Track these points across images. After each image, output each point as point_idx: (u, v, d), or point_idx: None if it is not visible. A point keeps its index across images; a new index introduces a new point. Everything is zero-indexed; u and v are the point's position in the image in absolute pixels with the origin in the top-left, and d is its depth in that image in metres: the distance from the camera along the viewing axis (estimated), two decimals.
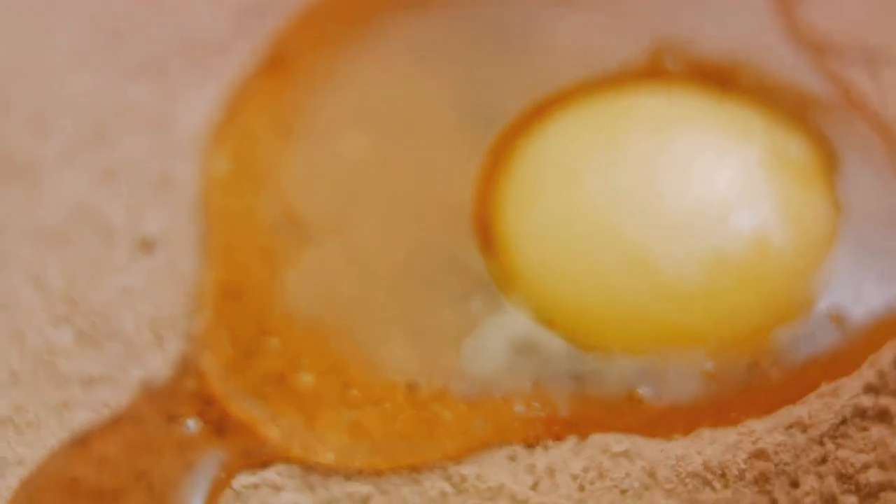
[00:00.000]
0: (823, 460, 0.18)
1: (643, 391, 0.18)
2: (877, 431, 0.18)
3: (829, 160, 0.20)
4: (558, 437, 0.18)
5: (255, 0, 0.23)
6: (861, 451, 0.18)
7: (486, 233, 0.19)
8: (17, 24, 0.24)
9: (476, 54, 0.21)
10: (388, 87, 0.21)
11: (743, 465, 0.18)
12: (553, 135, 0.20)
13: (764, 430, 0.18)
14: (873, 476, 0.18)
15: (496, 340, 0.19)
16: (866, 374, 0.18)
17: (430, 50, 0.21)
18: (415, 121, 0.20)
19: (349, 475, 0.19)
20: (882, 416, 0.18)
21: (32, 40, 0.24)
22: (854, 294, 0.19)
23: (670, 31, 0.21)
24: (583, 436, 0.18)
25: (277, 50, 0.22)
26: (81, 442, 0.19)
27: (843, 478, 0.18)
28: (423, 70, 0.21)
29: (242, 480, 0.19)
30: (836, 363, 0.18)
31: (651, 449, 0.18)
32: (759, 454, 0.18)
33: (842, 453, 0.18)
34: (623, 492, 0.18)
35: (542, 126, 0.20)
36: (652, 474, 0.18)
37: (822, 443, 0.18)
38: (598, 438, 0.18)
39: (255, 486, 0.19)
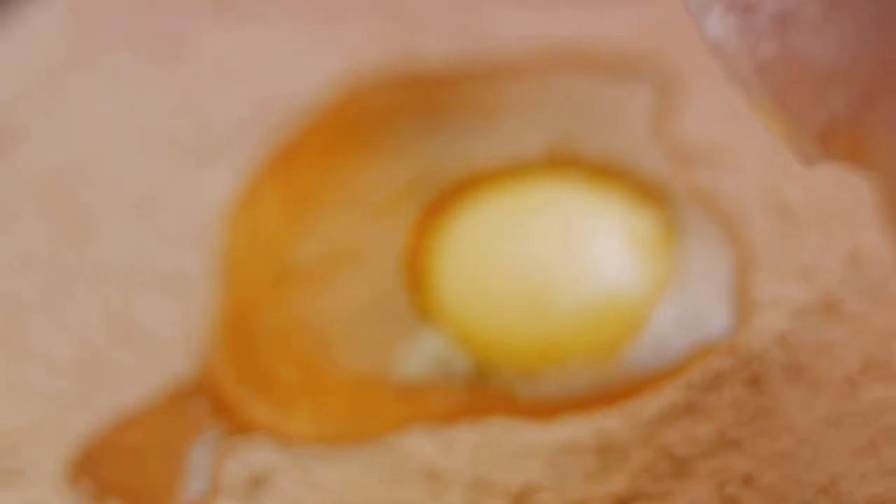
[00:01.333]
0: (650, 438, 0.25)
1: (525, 390, 0.25)
2: (688, 421, 0.25)
3: (674, 236, 0.27)
4: (460, 419, 0.25)
5: (267, 96, 0.31)
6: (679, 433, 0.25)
7: (415, 281, 0.27)
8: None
9: (421, 146, 0.29)
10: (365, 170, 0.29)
11: (590, 441, 0.25)
12: (472, 211, 0.27)
13: (608, 417, 0.25)
14: (684, 449, 0.24)
15: (421, 355, 0.26)
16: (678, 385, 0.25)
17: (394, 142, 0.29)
18: (375, 196, 0.28)
19: (312, 443, 0.26)
20: (692, 409, 0.25)
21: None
22: (675, 330, 0.26)
23: (564, 134, 0.28)
24: (479, 418, 0.25)
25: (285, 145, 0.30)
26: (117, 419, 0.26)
27: (663, 452, 0.24)
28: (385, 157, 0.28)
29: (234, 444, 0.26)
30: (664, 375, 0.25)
31: (530, 430, 0.25)
32: (602, 432, 0.25)
33: (666, 434, 0.25)
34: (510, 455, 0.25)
35: (462, 203, 0.27)
36: (529, 445, 0.25)
37: (649, 425, 0.25)
38: (491, 421, 0.25)
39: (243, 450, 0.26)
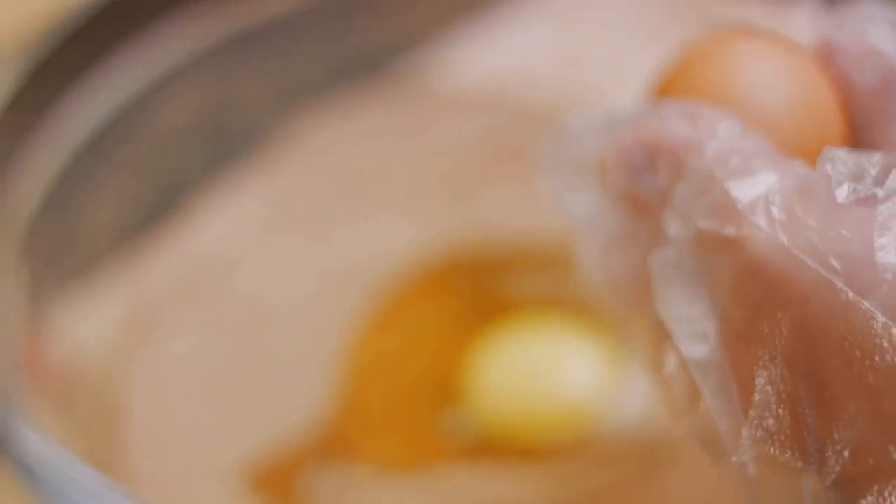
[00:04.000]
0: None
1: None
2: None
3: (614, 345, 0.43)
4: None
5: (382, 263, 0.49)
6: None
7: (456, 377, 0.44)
8: None
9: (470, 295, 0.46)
10: None
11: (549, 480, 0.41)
12: (498, 336, 0.44)
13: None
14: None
15: (455, 422, 0.43)
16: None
17: None
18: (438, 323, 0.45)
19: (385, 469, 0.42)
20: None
21: None
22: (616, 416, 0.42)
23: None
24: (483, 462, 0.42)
25: None
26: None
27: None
28: None
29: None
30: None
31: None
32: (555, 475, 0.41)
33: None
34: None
35: (494, 330, 0.44)
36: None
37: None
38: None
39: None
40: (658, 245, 0.26)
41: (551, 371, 0.42)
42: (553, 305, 0.45)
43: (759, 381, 0.24)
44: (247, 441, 0.43)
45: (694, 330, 0.25)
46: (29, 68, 0.43)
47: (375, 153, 0.51)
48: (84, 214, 0.47)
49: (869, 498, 0.23)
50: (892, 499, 0.23)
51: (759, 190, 0.24)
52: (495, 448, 0.42)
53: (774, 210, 0.24)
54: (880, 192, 0.24)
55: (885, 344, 0.22)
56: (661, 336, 0.26)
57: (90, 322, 0.46)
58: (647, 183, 0.26)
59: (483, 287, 0.46)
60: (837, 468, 0.24)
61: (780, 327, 0.24)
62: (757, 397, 0.24)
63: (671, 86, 0.27)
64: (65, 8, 0.46)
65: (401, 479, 0.41)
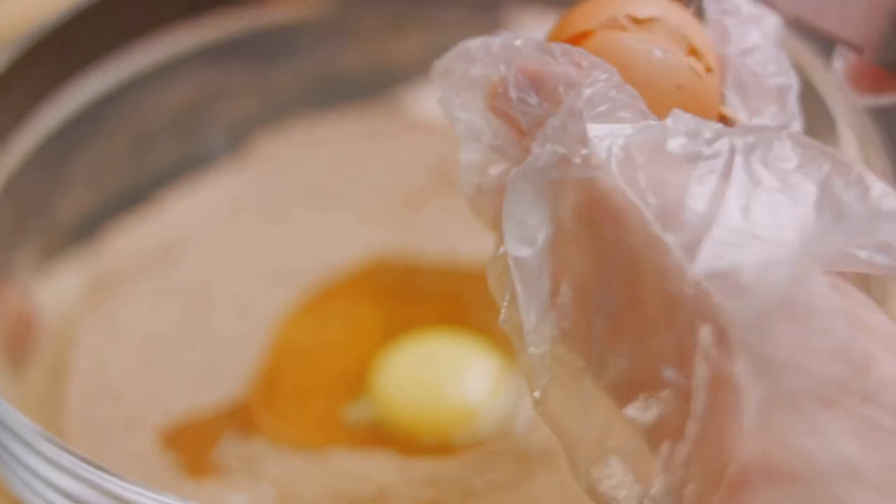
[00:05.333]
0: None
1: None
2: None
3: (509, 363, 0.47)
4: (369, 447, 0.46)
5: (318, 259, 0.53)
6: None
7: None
8: None
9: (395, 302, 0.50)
10: None
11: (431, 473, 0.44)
12: (407, 345, 0.48)
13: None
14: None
15: (360, 411, 0.47)
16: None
17: None
18: (363, 325, 0.50)
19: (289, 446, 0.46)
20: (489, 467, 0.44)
21: None
22: (504, 424, 0.46)
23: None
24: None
25: None
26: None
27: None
28: None
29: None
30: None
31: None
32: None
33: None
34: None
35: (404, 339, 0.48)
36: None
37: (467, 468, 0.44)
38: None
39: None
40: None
41: (449, 378, 0.46)
42: (460, 322, 0.49)
43: (565, 287, 0.28)
44: (172, 407, 0.47)
45: (525, 234, 0.28)
46: (17, 57, 0.48)
47: (339, 162, 0.56)
48: (55, 193, 0.52)
49: (634, 404, 0.27)
50: (653, 408, 0.26)
51: (610, 131, 0.28)
52: (390, 440, 0.46)
53: (615, 147, 0.27)
54: (707, 151, 0.28)
55: (670, 276, 0.26)
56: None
57: (50, 287, 0.51)
58: (527, 108, 0.29)
59: (402, 296, 0.50)
60: (612, 375, 0.27)
61: (596, 245, 0.27)
62: (560, 300, 0.28)
63: (566, 33, 0.31)
64: (55, 4, 0.51)
65: (298, 457, 0.45)
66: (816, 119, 0.48)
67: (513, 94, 0.29)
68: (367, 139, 0.56)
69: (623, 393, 0.27)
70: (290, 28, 0.56)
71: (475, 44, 0.30)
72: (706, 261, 0.26)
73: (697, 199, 0.26)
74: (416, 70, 0.57)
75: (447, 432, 0.45)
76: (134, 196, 0.53)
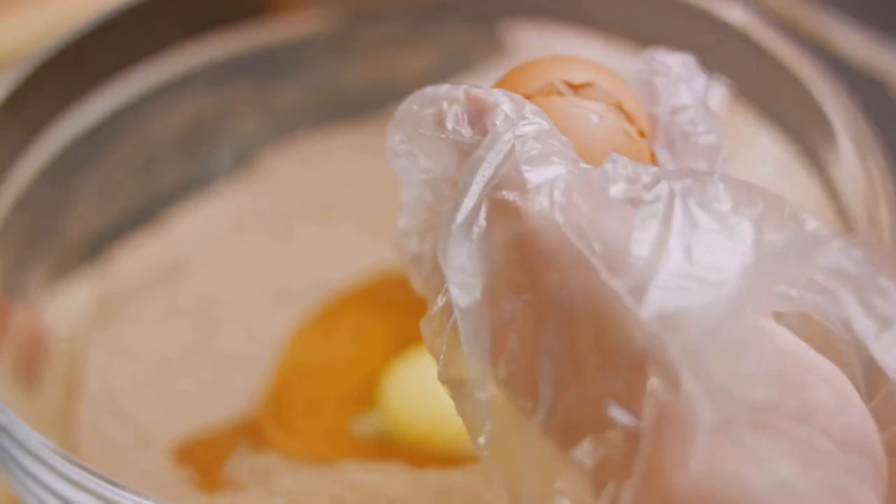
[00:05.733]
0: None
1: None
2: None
3: None
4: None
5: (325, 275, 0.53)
6: None
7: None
8: None
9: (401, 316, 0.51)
10: None
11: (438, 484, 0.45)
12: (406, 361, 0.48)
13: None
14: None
15: (369, 424, 0.47)
16: None
17: None
18: (371, 338, 0.50)
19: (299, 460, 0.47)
20: None
21: None
22: None
23: None
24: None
25: None
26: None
27: None
28: None
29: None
30: None
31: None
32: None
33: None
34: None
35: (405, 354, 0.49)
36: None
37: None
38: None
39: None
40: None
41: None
42: None
43: (509, 332, 0.28)
44: (183, 425, 0.48)
45: (465, 280, 0.28)
46: (24, 79, 0.49)
47: (344, 178, 0.56)
48: (63, 212, 0.52)
49: (581, 445, 0.27)
50: (599, 449, 0.27)
51: (547, 175, 0.28)
52: (399, 453, 0.46)
53: (556, 193, 0.28)
54: (647, 196, 0.28)
55: (619, 320, 0.26)
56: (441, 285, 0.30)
57: (60, 306, 0.51)
58: (461, 139, 0.30)
59: (409, 310, 0.51)
60: (559, 417, 0.28)
61: (538, 290, 0.28)
62: (505, 346, 0.28)
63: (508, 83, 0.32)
64: (68, 22, 0.52)
65: (309, 470, 0.46)
66: (815, 127, 0.48)
67: (449, 124, 0.30)
68: (371, 155, 0.56)
69: (569, 435, 0.28)
70: (294, 45, 0.57)
71: (427, 90, 0.31)
72: (654, 303, 0.26)
73: (641, 244, 0.27)
74: (420, 86, 0.57)
75: (456, 443, 0.46)
76: (141, 214, 0.54)
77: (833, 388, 0.27)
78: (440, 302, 0.30)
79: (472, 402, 0.29)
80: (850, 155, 0.45)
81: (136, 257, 0.53)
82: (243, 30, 0.55)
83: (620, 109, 0.32)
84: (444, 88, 0.31)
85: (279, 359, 0.49)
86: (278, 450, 0.47)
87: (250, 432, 0.47)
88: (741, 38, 0.49)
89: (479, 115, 0.30)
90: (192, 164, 0.56)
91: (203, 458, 0.46)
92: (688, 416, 0.25)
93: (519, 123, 0.29)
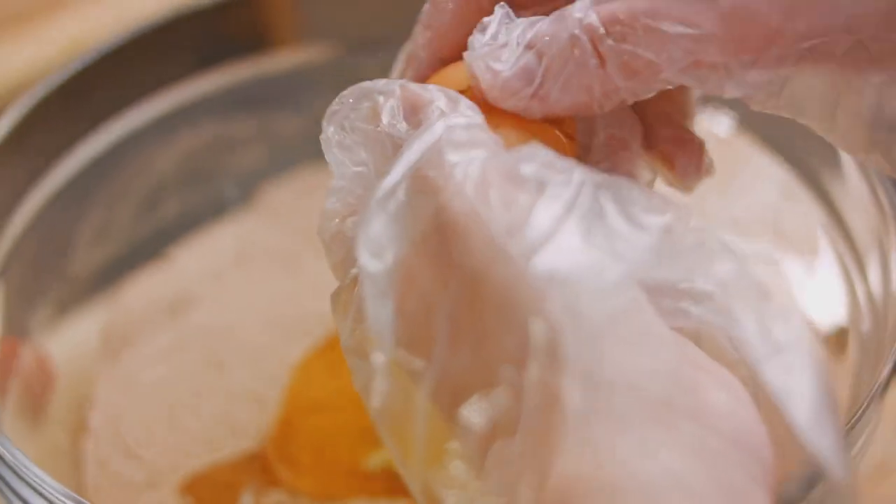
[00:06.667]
0: None
1: None
2: None
3: None
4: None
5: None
6: None
7: None
8: None
9: None
10: None
11: None
12: None
13: None
14: None
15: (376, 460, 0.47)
16: None
17: None
18: None
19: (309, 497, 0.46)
20: None
21: None
22: None
23: None
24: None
25: None
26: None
27: None
28: None
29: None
30: None
31: None
32: None
33: None
34: None
35: None
36: None
37: None
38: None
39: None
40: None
41: None
42: None
43: (412, 297, 0.29)
44: (191, 463, 0.48)
45: (377, 250, 0.29)
46: (27, 113, 0.49)
47: None
48: (68, 248, 0.52)
49: (471, 404, 0.28)
50: (488, 407, 0.28)
51: (468, 158, 0.29)
52: (406, 488, 0.46)
53: (472, 168, 0.29)
54: (558, 178, 0.29)
55: (511, 281, 0.27)
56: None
57: (65, 341, 0.51)
58: (395, 132, 0.31)
59: None
60: (452, 377, 0.29)
61: (446, 257, 0.29)
62: (407, 309, 0.29)
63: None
64: (76, 52, 0.52)
65: None
66: (817, 151, 0.48)
67: (385, 119, 0.31)
68: None
69: (461, 394, 0.29)
70: (296, 77, 0.57)
71: (364, 83, 0.32)
72: (545, 265, 0.27)
73: (543, 218, 0.28)
74: None
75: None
76: (146, 249, 0.54)
77: (726, 391, 0.27)
78: (352, 273, 0.31)
79: (371, 366, 0.29)
80: (855, 179, 0.45)
81: (142, 292, 0.53)
82: (245, 63, 0.55)
83: None
84: (381, 83, 0.32)
85: (285, 393, 0.49)
86: (286, 487, 0.46)
87: (258, 469, 0.47)
88: None
89: (413, 112, 0.31)
90: (196, 196, 0.56)
91: (211, 497, 0.46)
92: (571, 397, 0.26)
93: (450, 116, 0.30)
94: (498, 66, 0.31)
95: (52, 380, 0.49)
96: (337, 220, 0.32)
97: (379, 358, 0.29)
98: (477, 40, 0.32)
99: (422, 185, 0.29)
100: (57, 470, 0.47)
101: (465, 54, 0.32)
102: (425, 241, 0.29)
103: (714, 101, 0.51)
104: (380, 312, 0.29)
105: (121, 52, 0.52)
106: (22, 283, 0.48)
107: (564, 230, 0.28)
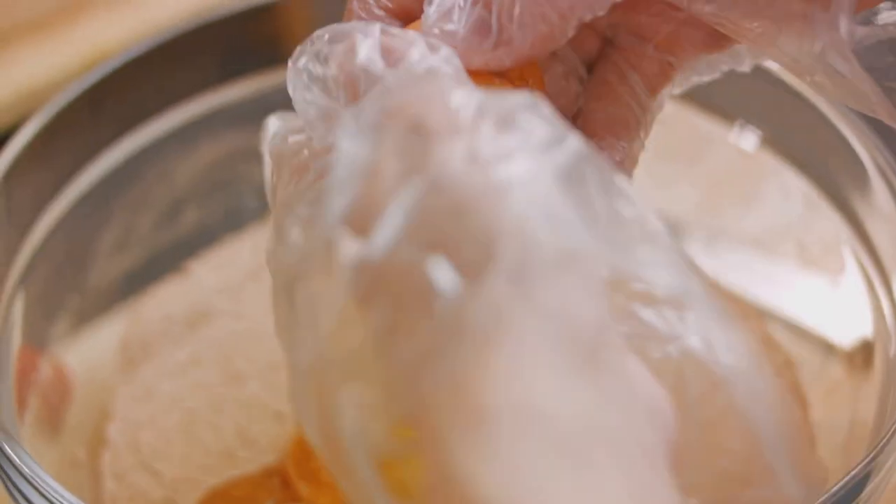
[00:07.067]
0: None
1: None
2: None
3: None
4: None
5: None
6: None
7: None
8: None
9: None
10: None
11: None
12: None
13: None
14: None
15: None
16: None
17: None
18: None
19: None
20: None
21: None
22: None
23: None
24: None
25: None
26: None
27: None
28: None
29: None
30: None
31: None
32: None
33: None
34: None
35: None
36: None
37: None
38: None
39: None
40: None
41: None
42: None
43: (374, 190, 0.28)
44: (210, 479, 0.47)
45: (351, 157, 0.28)
46: (47, 124, 0.48)
47: None
48: (86, 257, 0.52)
49: None
50: None
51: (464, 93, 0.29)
52: None
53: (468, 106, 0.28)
54: (548, 132, 0.28)
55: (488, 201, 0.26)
56: None
57: (83, 354, 0.51)
58: (370, 73, 0.31)
59: None
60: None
61: (413, 157, 0.28)
62: (364, 202, 0.28)
63: None
64: (94, 62, 0.51)
65: None
66: (844, 167, 0.48)
67: (362, 56, 0.30)
68: None
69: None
70: None
71: (340, 24, 0.32)
72: (512, 185, 0.27)
73: (524, 162, 0.27)
74: None
75: None
76: (164, 260, 0.54)
77: (650, 378, 0.27)
78: (309, 178, 0.31)
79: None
80: (880, 194, 0.44)
81: (160, 304, 0.53)
82: (266, 74, 0.54)
83: (520, 71, 0.33)
84: (360, 24, 0.32)
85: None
86: (306, 503, 0.46)
87: (278, 485, 0.47)
88: (773, 82, 0.48)
89: (392, 53, 0.31)
90: (215, 207, 0.55)
91: None
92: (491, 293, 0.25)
93: (432, 58, 0.30)
94: (451, 27, 0.31)
95: (70, 392, 0.49)
96: (280, 138, 0.33)
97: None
98: (427, 15, 0.32)
99: (399, 108, 0.29)
100: (74, 483, 0.47)
101: (420, 31, 0.32)
102: (396, 150, 0.28)
103: (741, 117, 0.50)
104: (334, 205, 0.28)
105: (141, 63, 0.52)
106: (41, 293, 0.48)
107: (543, 177, 0.27)
